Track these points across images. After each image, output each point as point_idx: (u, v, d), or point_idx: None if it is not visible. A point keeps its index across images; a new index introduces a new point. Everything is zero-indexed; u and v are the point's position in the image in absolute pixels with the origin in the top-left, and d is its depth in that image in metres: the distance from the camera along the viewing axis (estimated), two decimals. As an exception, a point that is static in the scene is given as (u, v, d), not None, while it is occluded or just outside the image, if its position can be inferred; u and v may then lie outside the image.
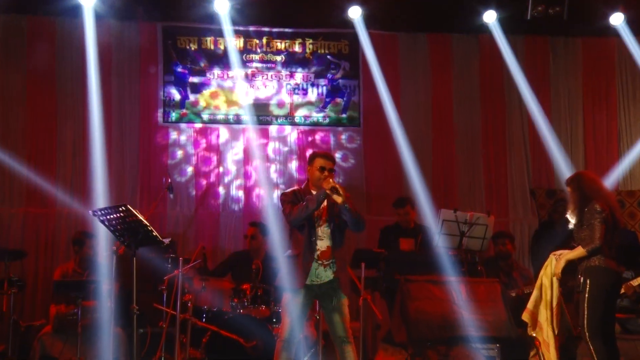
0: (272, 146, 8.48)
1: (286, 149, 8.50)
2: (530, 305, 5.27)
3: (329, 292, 4.85)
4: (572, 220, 4.97)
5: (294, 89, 8.49)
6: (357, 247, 7.73)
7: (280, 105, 8.50)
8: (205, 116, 8.44)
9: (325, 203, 4.85)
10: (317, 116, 8.56)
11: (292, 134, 8.53)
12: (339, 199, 4.66)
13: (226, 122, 8.44)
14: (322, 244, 4.84)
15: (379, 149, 8.55)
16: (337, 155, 8.47)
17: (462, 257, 6.41)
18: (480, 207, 8.35)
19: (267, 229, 6.90)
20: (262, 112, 8.44)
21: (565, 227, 5.24)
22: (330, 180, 4.72)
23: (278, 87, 8.49)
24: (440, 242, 6.46)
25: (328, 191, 4.66)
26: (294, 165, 8.46)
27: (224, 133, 8.47)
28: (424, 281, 6.05)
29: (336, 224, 4.84)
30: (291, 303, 4.79)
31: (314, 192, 4.91)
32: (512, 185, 8.68)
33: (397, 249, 6.94)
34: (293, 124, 8.52)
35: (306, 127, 8.55)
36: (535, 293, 5.26)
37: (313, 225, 4.86)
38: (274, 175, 8.39)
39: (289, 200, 4.89)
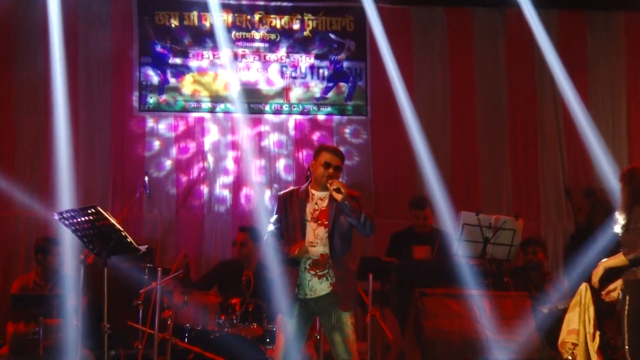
0: (265, 138, 8.50)
1: (281, 142, 8.53)
2: (566, 325, 5.26)
3: (326, 308, 4.88)
4: (620, 221, 4.89)
5: (291, 72, 8.53)
6: (363, 254, 7.75)
7: (275, 91, 8.55)
8: (187, 103, 8.48)
9: (325, 203, 4.92)
10: (317, 104, 8.59)
11: (288, 125, 8.55)
12: (338, 196, 4.73)
13: (212, 110, 8.46)
14: (315, 250, 4.87)
15: (389, 142, 8.58)
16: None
17: (486, 267, 6.43)
18: (507, 210, 8.42)
19: (259, 234, 6.95)
20: (253, 99, 8.46)
21: (608, 233, 5.28)
22: (335, 182, 4.78)
23: (272, 71, 8.53)
24: (460, 249, 6.50)
25: (333, 193, 4.75)
26: (289, 160, 8.52)
27: (209, 123, 8.49)
28: (441, 295, 6.09)
29: (337, 226, 4.89)
30: (286, 320, 4.84)
31: (314, 192, 4.98)
32: (544, 184, 8.73)
33: (411, 257, 6.97)
34: (289, 113, 8.55)
35: (304, 117, 8.59)
36: (572, 310, 5.26)
37: (304, 226, 4.89)
38: (266, 172, 8.44)
39: (277, 210, 5.02)
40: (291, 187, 5.17)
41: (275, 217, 5.04)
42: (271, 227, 5.00)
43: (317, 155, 5.03)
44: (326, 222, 4.88)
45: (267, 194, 8.35)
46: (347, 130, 8.64)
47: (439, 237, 7.13)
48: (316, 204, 4.96)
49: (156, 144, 8.42)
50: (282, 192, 5.12)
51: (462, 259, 6.50)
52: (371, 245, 8.08)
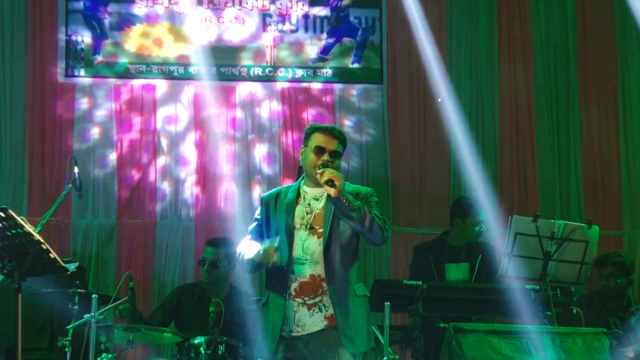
0: (240, 116, 8.51)
1: (264, 120, 8.54)
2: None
3: (321, 351, 4.91)
4: None
5: (278, 24, 8.58)
6: (375, 276, 7.78)
7: (255, 50, 8.56)
8: (133, 66, 8.45)
9: (320, 204, 5.01)
10: (313, 68, 8.56)
11: (272, 98, 8.57)
12: (331, 191, 4.81)
13: (168, 76, 8.45)
14: (303, 269, 4.92)
15: (413, 121, 8.61)
16: (347, 131, 8.57)
17: (548, 293, 6.37)
18: (575, 214, 8.43)
19: (233, 249, 6.98)
20: (226, 60, 8.49)
21: None
22: (327, 171, 4.83)
23: (251, 22, 8.57)
24: (510, 269, 6.50)
25: (325, 187, 4.83)
26: (274, 146, 8.55)
27: (163, 93, 8.48)
28: (484, 332, 6.01)
29: (336, 235, 4.95)
30: (265, 368, 4.91)
31: (307, 191, 5.07)
32: (629, 180, 8.74)
33: (443, 279, 6.97)
34: (274, 80, 8.54)
35: (295, 86, 8.57)
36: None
37: (291, 236, 4.98)
38: (242, 163, 8.45)
39: (257, 216, 5.14)
40: (280, 187, 5.27)
41: (253, 225, 5.12)
42: (247, 238, 5.09)
43: (307, 139, 5.11)
44: (321, 231, 4.95)
45: (245, 192, 8.38)
46: (354, 101, 8.65)
47: (481, 252, 7.16)
48: (309, 205, 5.04)
49: (89, 123, 8.43)
50: (266, 194, 5.21)
51: (513, 281, 6.51)
52: (383, 261, 8.17)
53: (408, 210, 8.55)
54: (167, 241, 8.33)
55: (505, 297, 6.35)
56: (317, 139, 5.02)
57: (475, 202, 7.42)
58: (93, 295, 5.91)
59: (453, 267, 7.01)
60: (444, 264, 7.06)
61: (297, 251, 4.93)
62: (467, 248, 7.26)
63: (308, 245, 4.93)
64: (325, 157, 4.96)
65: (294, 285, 4.91)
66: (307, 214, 5.00)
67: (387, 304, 5.81)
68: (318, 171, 4.84)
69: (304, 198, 5.04)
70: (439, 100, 8.28)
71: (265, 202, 5.11)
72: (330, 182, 4.77)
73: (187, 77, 8.47)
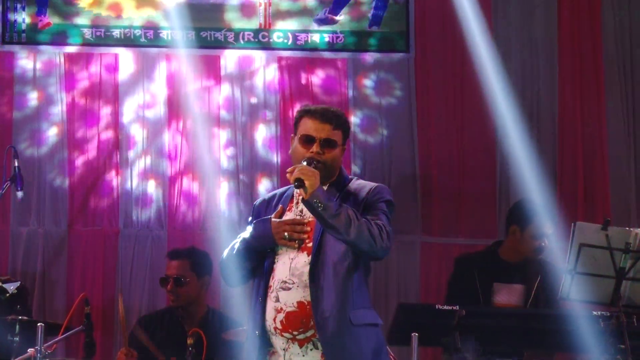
0: (227, 93, 8.58)
1: (256, 98, 8.60)
2: None
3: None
4: None
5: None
6: (400, 298, 7.82)
7: (245, 10, 8.63)
8: (88, 30, 8.53)
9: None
10: (319, 33, 8.62)
11: (267, 70, 8.62)
12: (302, 193, 4.83)
13: (133, 42, 8.54)
14: (287, 297, 4.92)
15: (448, 102, 8.70)
16: (360, 116, 8.64)
17: (622, 321, 6.23)
18: (656, 220, 8.32)
19: (206, 262, 7.09)
20: (207, 23, 8.58)
21: None
22: (297, 169, 4.84)
23: (238, -29, 8.65)
24: (573, 289, 6.36)
25: (300, 191, 4.87)
26: (271, 130, 8.61)
27: (127, 65, 8.57)
28: (542, 371, 5.88)
29: (326, 250, 4.94)
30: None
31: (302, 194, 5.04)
32: None
33: (489, 302, 7.04)
34: (270, 48, 8.61)
35: (296, 55, 8.65)
36: None
37: (274, 254, 5.00)
38: (231, 153, 8.51)
39: (247, 226, 5.16)
40: (277, 190, 5.29)
41: (240, 236, 5.12)
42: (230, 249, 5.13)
43: (295, 126, 5.16)
44: (310, 245, 4.95)
45: (234, 191, 8.42)
46: (371, 80, 8.71)
47: (542, 272, 7.19)
48: (301, 211, 5.05)
49: (32, 103, 8.50)
50: (259, 199, 5.27)
51: (576, 306, 6.45)
52: (415, 281, 8.29)
53: (442, 214, 8.61)
54: (133, 255, 8.41)
55: (566, 327, 6.32)
56: (305, 126, 5.05)
57: (540, 210, 7.35)
58: (39, 324, 5.92)
59: (504, 287, 7.07)
60: (493, 283, 7.10)
61: (283, 272, 4.93)
62: (524, 266, 7.26)
63: (296, 265, 4.93)
64: (315, 147, 4.98)
65: (280, 317, 4.90)
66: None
67: (414, 335, 5.88)
68: (299, 173, 4.80)
69: (297, 202, 5.05)
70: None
71: (256, 210, 5.15)
72: (298, 182, 4.78)
73: (159, 44, 8.55)
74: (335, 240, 4.86)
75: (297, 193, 5.01)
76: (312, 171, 4.79)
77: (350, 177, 5.13)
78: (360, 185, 5.06)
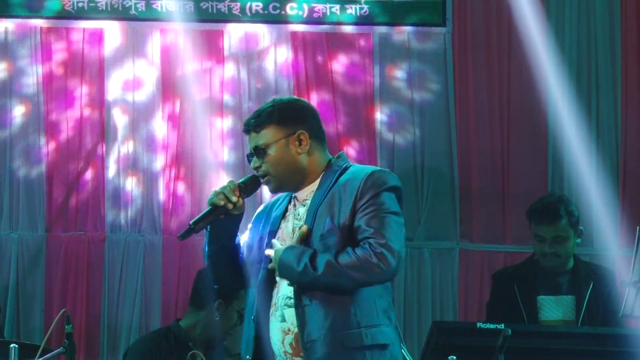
0: (233, 74, 8.45)
1: (267, 81, 8.52)
2: None
3: None
4: None
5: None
6: (435, 316, 7.85)
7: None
8: (70, 1, 8.39)
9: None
10: (339, 1, 8.45)
11: (279, 46, 8.54)
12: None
13: (123, 14, 8.39)
14: (294, 316, 4.82)
15: (492, 84, 8.55)
16: (389, 108, 8.54)
17: None
18: None
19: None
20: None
21: None
22: (225, 191, 4.84)
23: None
24: (638, 305, 6.24)
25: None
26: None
27: (115, 41, 8.44)
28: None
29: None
30: None
31: (298, 194, 5.03)
32: None
33: (535, 319, 7.05)
34: (283, 21, 8.52)
35: (313, 29, 8.55)
36: None
37: (258, 269, 5.00)
38: (240, 144, 8.35)
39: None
40: (281, 194, 5.18)
41: None
42: None
43: None
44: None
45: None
46: (401, 60, 8.57)
47: (593, 277, 7.15)
48: (299, 215, 4.95)
49: (4, 86, 8.37)
50: (262, 207, 5.23)
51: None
52: (453, 295, 8.19)
53: (484, 218, 8.53)
54: (122, 264, 8.32)
55: (629, 349, 6.27)
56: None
57: (552, 204, 7.22)
58: (12, 345, 5.86)
59: (551, 301, 7.12)
60: (536, 297, 7.11)
61: (286, 287, 4.82)
62: (571, 272, 7.19)
63: (283, 284, 5.00)
64: (252, 164, 4.97)
65: (289, 339, 4.76)
66: (293, 231, 4.91)
67: (452, 358, 5.88)
68: (225, 197, 4.85)
69: (294, 206, 4.97)
70: None
71: (259, 216, 5.12)
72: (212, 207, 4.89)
73: (152, 17, 8.45)
74: (325, 248, 4.75)
75: (294, 197, 4.98)
76: (221, 193, 4.82)
77: (345, 165, 4.92)
78: (353, 176, 4.83)
